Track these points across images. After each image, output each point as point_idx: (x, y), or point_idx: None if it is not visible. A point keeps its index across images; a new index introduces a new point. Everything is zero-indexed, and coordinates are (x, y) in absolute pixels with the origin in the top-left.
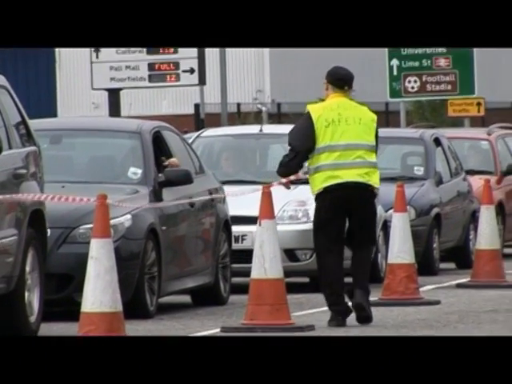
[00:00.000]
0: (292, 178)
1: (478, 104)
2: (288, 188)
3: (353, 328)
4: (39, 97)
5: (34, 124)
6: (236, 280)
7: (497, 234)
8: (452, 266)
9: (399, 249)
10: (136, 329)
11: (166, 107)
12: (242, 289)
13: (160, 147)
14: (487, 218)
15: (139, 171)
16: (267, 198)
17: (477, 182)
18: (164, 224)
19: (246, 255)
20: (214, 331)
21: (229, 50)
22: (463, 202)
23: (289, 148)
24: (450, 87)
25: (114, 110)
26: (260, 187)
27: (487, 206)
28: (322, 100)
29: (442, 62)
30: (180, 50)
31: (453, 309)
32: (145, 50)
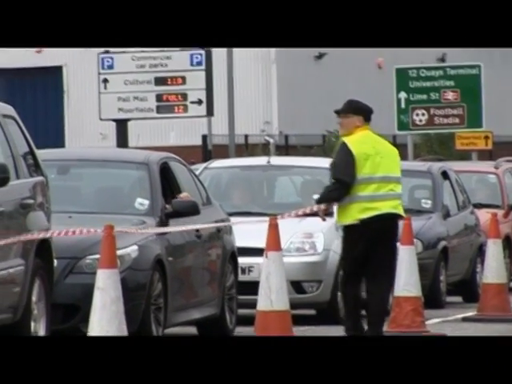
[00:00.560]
0: (315, 208)
1: (486, 137)
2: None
3: None
4: (47, 127)
5: (42, 154)
6: (242, 311)
7: (504, 268)
8: (459, 299)
9: (406, 282)
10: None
11: (173, 138)
12: (249, 320)
13: (167, 178)
14: (494, 251)
15: (146, 202)
16: (274, 230)
17: (484, 215)
18: (171, 255)
19: (253, 287)
20: None
21: (237, 82)
22: (470, 236)
23: (333, 181)
24: (457, 120)
25: (122, 140)
26: (267, 219)
27: (494, 240)
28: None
29: (450, 95)
30: (188, 80)
31: None
32: (153, 80)
